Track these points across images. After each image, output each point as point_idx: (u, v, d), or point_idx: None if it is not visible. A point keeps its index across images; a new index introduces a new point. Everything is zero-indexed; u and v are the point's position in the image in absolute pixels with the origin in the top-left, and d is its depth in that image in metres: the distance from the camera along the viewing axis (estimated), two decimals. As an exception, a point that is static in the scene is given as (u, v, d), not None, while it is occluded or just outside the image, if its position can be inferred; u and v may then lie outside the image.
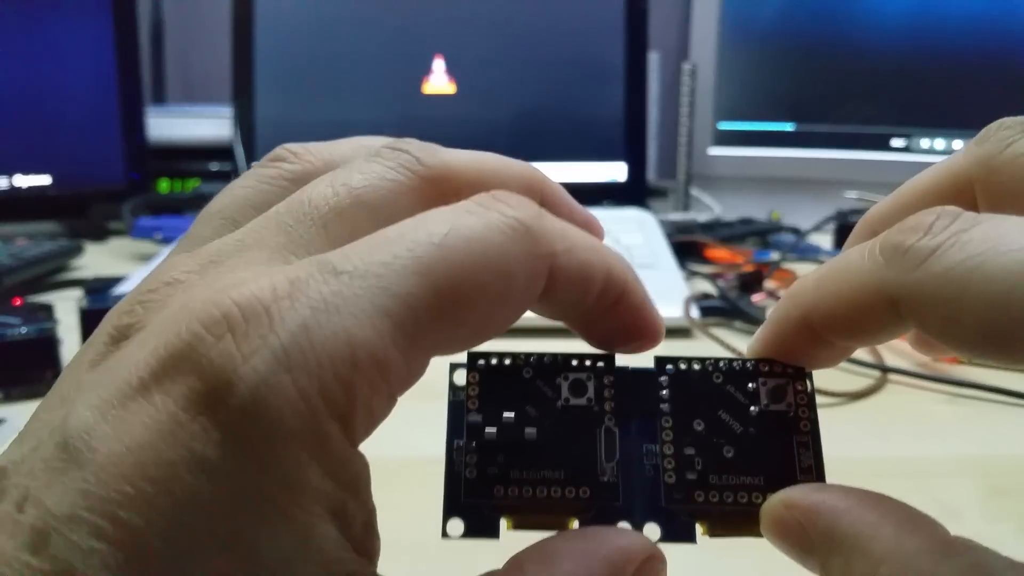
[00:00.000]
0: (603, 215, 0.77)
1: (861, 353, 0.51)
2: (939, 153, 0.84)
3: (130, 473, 0.12)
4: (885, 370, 0.48)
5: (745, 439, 0.17)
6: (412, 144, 0.17)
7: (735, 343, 0.49)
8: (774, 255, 0.72)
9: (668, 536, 0.17)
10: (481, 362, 0.17)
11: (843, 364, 0.50)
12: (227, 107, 0.84)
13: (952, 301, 0.14)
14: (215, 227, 0.16)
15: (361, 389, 0.13)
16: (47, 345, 0.44)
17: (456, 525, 0.16)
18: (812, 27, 0.88)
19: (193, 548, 0.12)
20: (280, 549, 0.12)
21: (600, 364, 0.17)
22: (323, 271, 0.13)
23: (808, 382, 0.18)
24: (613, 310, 0.17)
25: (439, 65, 0.84)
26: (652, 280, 0.62)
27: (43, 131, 0.83)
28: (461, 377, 0.17)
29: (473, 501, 0.16)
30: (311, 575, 0.13)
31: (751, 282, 0.62)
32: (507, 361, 0.17)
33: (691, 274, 0.67)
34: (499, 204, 0.15)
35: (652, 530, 0.17)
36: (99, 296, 0.50)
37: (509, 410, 0.17)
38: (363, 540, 0.14)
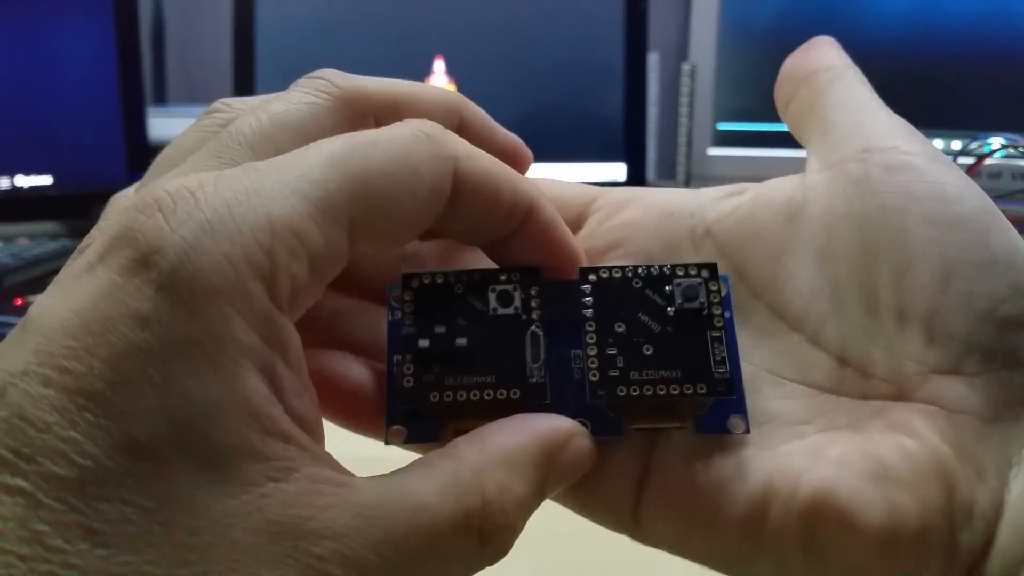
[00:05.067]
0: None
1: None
2: (939, 153, 0.84)
3: (74, 331, 0.13)
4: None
5: (663, 337, 0.18)
6: (328, 71, 0.18)
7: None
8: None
9: (597, 431, 0.18)
10: (415, 281, 0.18)
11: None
12: (228, 107, 0.84)
13: None
14: (162, 174, 0.17)
15: (280, 253, 0.14)
16: (49, 345, 0.44)
17: (398, 432, 0.18)
18: (812, 28, 0.88)
19: (129, 389, 0.13)
20: (208, 393, 0.14)
21: (526, 276, 0.19)
22: (246, 169, 0.15)
23: (721, 283, 0.19)
24: (524, 230, 0.18)
25: (439, 66, 0.84)
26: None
27: (44, 131, 0.83)
28: (397, 295, 0.19)
29: (411, 407, 0.18)
30: (241, 421, 0.14)
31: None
32: (439, 279, 0.18)
33: (690, 274, 0.67)
34: (405, 122, 0.17)
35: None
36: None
37: (441, 323, 0.18)
38: (300, 410, 0.15)
